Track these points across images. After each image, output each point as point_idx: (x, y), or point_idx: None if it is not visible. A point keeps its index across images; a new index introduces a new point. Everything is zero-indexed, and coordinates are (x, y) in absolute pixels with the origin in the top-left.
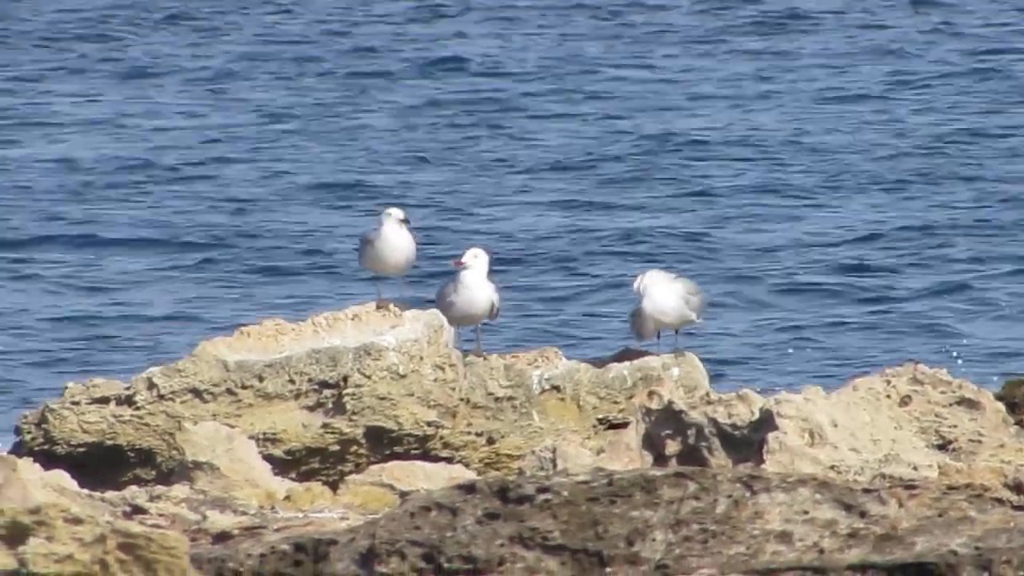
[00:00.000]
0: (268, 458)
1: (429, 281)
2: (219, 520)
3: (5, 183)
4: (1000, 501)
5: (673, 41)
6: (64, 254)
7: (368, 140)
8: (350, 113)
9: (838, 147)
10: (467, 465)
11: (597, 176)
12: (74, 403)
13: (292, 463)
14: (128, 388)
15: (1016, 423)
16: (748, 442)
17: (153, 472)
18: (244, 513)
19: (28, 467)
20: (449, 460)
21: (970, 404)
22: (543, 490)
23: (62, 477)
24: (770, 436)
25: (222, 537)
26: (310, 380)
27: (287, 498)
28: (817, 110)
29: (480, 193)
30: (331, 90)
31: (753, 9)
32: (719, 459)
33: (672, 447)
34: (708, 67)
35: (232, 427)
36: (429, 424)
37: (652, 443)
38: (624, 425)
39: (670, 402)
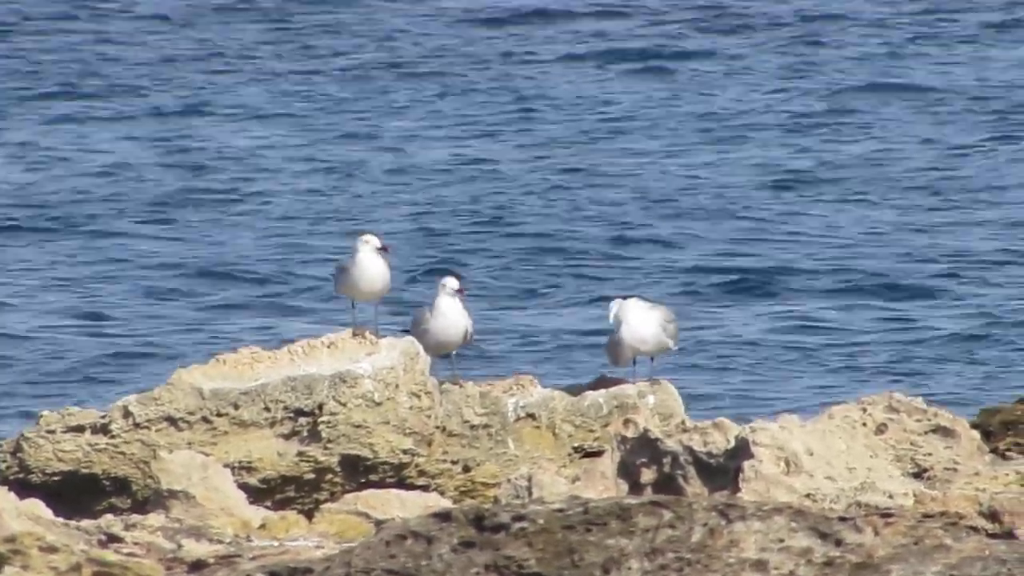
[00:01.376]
0: (243, 487)
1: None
2: (194, 549)
3: None
4: (975, 529)
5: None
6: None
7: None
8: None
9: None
10: (443, 493)
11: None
12: (49, 432)
13: (267, 491)
14: (104, 416)
15: (991, 451)
16: (724, 470)
17: (128, 501)
18: (219, 542)
19: (3, 496)
20: (425, 488)
21: (945, 432)
22: (519, 518)
23: (37, 506)
24: (746, 464)
25: (197, 566)
26: (285, 408)
27: (262, 527)
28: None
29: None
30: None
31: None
32: (695, 487)
33: (648, 475)
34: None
35: (207, 455)
36: (405, 452)
37: (628, 471)
38: (599, 453)
39: (646, 430)
